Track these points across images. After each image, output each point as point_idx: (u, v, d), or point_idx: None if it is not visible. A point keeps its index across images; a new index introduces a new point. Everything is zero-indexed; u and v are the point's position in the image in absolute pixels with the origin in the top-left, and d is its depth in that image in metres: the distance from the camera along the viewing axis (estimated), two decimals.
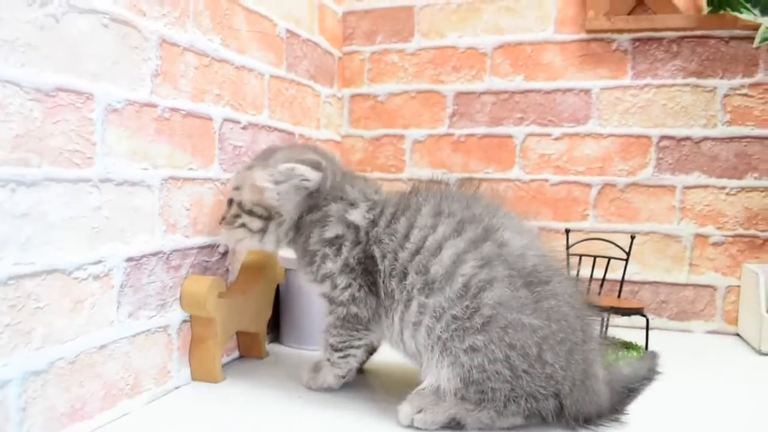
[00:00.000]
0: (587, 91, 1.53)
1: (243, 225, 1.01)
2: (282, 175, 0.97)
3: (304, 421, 0.90)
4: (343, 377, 1.03)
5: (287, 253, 1.27)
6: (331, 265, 0.97)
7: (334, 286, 0.97)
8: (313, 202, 1.00)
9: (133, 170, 0.90)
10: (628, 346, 1.27)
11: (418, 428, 0.87)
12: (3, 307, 0.70)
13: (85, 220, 0.81)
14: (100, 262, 0.84)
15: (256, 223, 1.01)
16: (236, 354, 1.19)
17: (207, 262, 1.08)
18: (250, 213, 1.00)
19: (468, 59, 1.61)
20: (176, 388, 1.00)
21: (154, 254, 0.95)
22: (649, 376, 0.99)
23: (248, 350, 1.19)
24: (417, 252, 0.90)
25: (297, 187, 0.98)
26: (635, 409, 0.93)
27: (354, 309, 0.96)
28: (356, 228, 0.96)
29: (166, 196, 0.97)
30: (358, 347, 1.00)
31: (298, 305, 1.25)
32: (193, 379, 1.04)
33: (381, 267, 0.93)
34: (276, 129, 1.32)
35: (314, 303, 1.23)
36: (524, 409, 0.85)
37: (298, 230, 1.01)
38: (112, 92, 0.86)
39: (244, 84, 1.19)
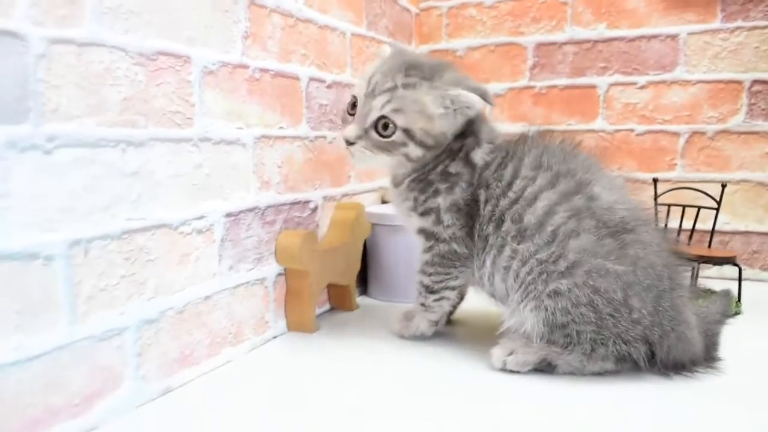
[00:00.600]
0: (674, 37, 1.48)
1: (406, 155, 0.95)
2: (454, 102, 0.93)
3: (396, 367, 0.93)
4: (436, 323, 1.05)
5: (372, 209, 1.30)
6: (441, 201, 0.96)
7: (438, 222, 0.97)
8: (462, 131, 0.97)
9: (229, 129, 0.94)
10: None
11: (510, 370, 0.89)
12: (119, 259, 0.75)
13: (187, 178, 0.86)
14: (202, 217, 0.88)
15: (418, 152, 0.95)
16: (327, 306, 1.23)
17: (298, 217, 1.11)
18: (421, 144, 0.94)
19: (548, 9, 1.58)
20: (274, 337, 1.05)
21: (251, 210, 0.99)
22: (724, 318, 1.02)
23: (339, 302, 1.23)
24: (516, 201, 0.91)
25: (462, 114, 0.94)
26: (729, 358, 0.92)
27: (455, 246, 0.97)
28: (473, 168, 0.96)
29: (259, 154, 1.00)
30: (453, 288, 1.02)
31: (384, 259, 1.28)
32: (289, 329, 1.09)
33: (482, 212, 0.94)
34: None
35: (400, 257, 1.25)
36: (613, 351, 0.87)
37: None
38: (207, 55, 0.89)
39: (328, 43, 1.21)
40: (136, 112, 0.77)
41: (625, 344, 0.86)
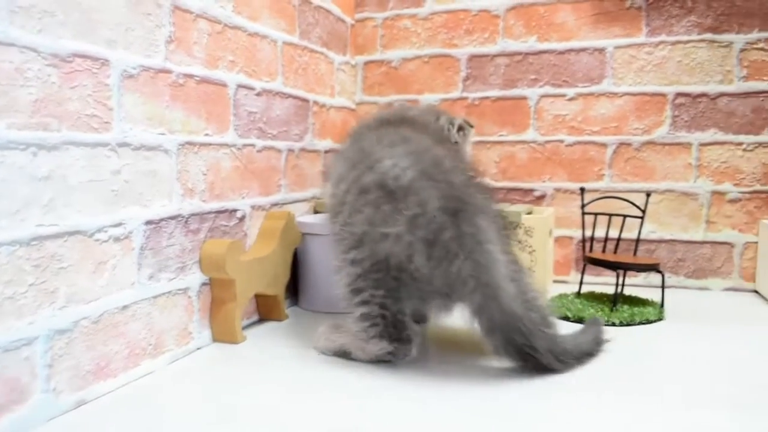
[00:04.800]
0: (601, 50, 1.52)
1: None
2: None
3: (322, 378, 0.92)
4: None
5: (304, 219, 1.29)
6: None
7: None
8: None
9: (150, 135, 0.91)
10: (644, 303, 1.28)
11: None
12: (27, 266, 0.72)
13: (104, 184, 0.83)
14: (120, 224, 0.86)
15: None
16: (255, 317, 1.21)
17: (225, 226, 1.09)
18: None
19: (481, 22, 1.60)
20: (198, 348, 1.03)
21: (173, 218, 0.96)
22: (595, 347, 1.00)
23: (268, 313, 1.21)
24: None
25: None
26: (652, 363, 0.94)
27: None
28: None
29: (183, 161, 0.98)
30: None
31: (315, 270, 1.27)
32: (214, 340, 1.06)
33: None
34: (290, 96, 1.32)
35: (331, 268, 1.24)
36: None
37: None
38: (127, 58, 0.87)
39: (258, 51, 1.20)
40: (49, 115, 0.74)
41: (423, 301, 0.94)
